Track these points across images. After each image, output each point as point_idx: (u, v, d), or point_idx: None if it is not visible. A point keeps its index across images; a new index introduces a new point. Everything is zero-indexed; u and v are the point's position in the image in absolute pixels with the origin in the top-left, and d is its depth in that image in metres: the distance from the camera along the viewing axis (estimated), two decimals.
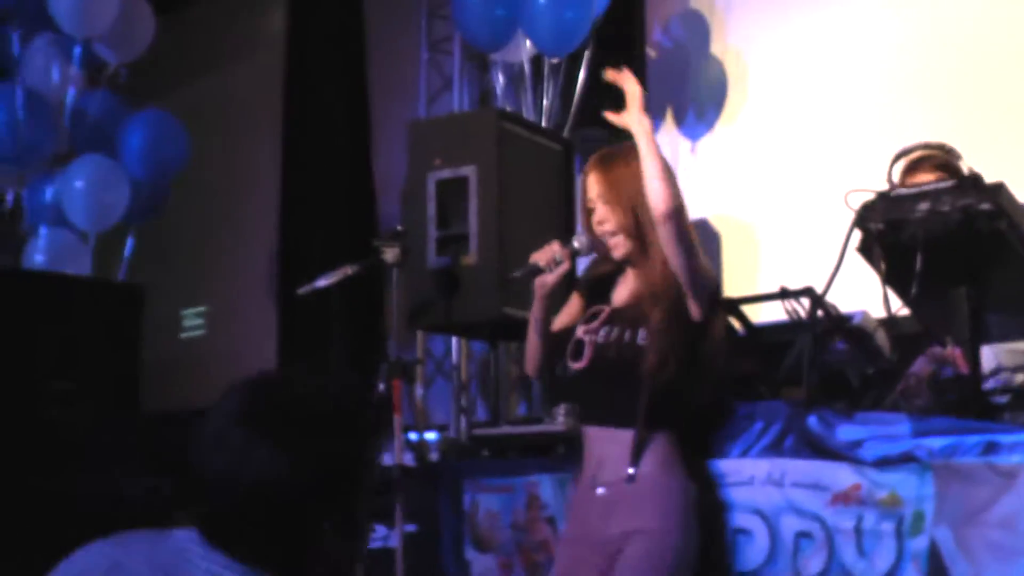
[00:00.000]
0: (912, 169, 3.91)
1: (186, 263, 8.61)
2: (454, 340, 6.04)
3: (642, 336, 3.16)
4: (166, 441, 6.88)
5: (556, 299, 3.39)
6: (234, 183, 8.39)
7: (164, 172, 6.81)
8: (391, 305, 4.58)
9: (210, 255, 8.45)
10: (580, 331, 3.28)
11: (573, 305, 3.43)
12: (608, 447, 3.18)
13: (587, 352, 3.22)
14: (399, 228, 4.46)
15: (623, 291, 3.30)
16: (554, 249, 3.32)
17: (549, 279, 3.31)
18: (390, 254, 4.34)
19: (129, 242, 6.91)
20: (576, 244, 3.36)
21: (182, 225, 8.65)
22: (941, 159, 3.81)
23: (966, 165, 3.77)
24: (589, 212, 3.31)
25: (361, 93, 7.62)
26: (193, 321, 8.57)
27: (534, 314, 3.39)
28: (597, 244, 3.32)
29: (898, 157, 3.94)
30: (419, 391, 5.98)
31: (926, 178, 3.82)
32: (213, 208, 8.48)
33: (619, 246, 3.26)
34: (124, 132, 6.66)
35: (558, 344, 3.37)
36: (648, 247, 3.20)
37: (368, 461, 1.80)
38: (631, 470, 3.12)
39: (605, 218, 3.25)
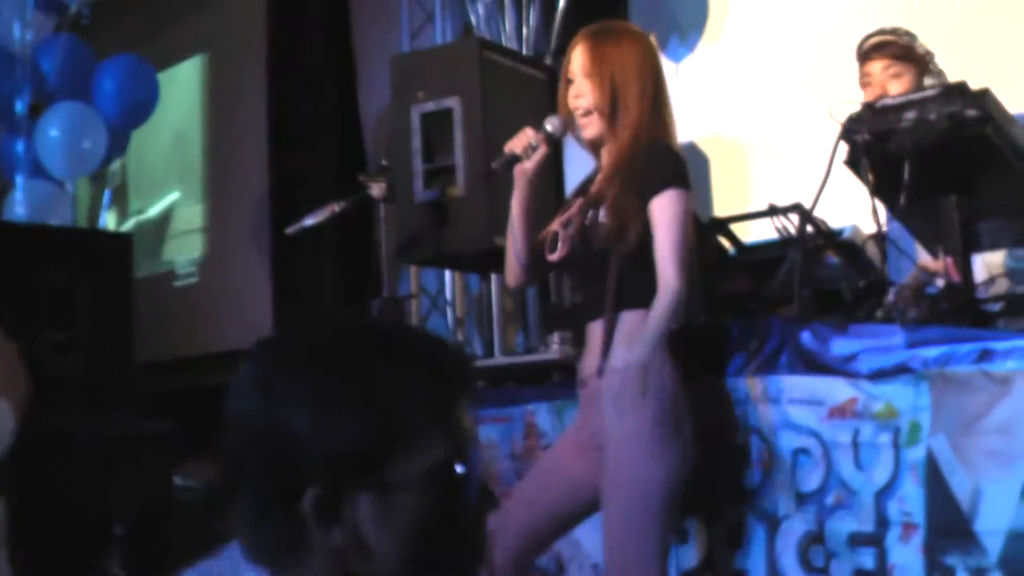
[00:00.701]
0: (865, 58, 3.93)
1: (177, 211, 8.60)
2: (447, 274, 6.03)
3: (603, 214, 3.13)
4: (162, 388, 6.93)
5: (539, 189, 3.33)
6: (220, 127, 8.35)
7: (138, 116, 6.77)
8: (381, 241, 4.57)
9: (200, 201, 8.42)
10: (556, 223, 3.24)
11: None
12: (591, 337, 3.16)
13: (561, 243, 3.18)
14: (384, 163, 4.43)
15: (597, 185, 3.25)
16: (528, 135, 3.26)
17: (528, 166, 3.25)
18: (376, 189, 4.33)
19: (107, 193, 6.89)
20: (549, 127, 3.28)
21: (170, 173, 8.62)
22: (893, 44, 3.82)
23: (921, 46, 3.78)
24: (568, 83, 3.25)
25: (344, 30, 7.56)
26: (186, 269, 8.56)
27: (516, 206, 3.30)
28: (570, 124, 3.26)
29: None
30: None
31: (877, 65, 3.85)
32: (201, 154, 8.45)
33: (590, 125, 3.21)
34: (96, 78, 6.59)
35: (538, 250, 3.31)
36: (618, 128, 3.16)
37: None
38: (600, 362, 3.08)
39: (582, 93, 3.21)
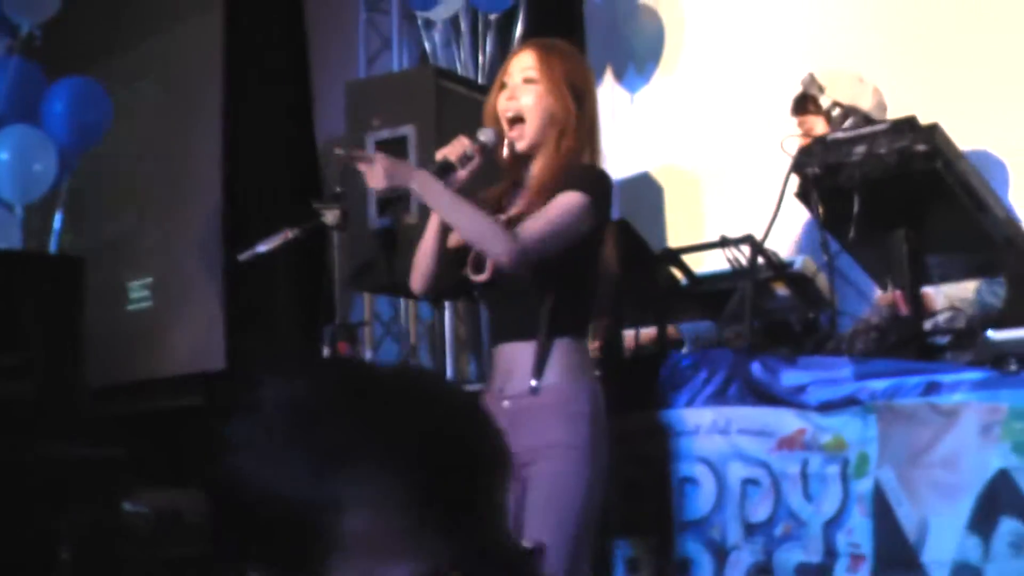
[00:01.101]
0: (798, 110, 4.00)
1: (130, 235, 8.55)
2: (402, 302, 6.03)
3: None
4: (113, 412, 6.87)
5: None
6: (175, 152, 8.31)
7: (89, 138, 6.72)
8: (334, 268, 4.55)
9: (154, 226, 8.38)
10: None
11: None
12: (515, 358, 3.10)
13: (488, 264, 3.11)
14: (338, 189, 4.42)
15: (521, 201, 3.19)
16: (464, 143, 3.19)
17: (462, 175, 3.18)
18: (330, 216, 4.30)
19: (58, 216, 6.84)
20: (483, 138, 3.20)
21: (125, 196, 8.58)
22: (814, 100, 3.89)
23: (829, 97, 3.83)
24: (502, 87, 3.19)
25: (301, 56, 7.55)
26: (139, 293, 8.50)
27: (438, 214, 3.22)
28: (501, 135, 3.19)
29: None
30: (367, 355, 5.95)
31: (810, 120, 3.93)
32: (155, 178, 8.41)
33: (521, 137, 3.15)
34: (46, 99, 6.55)
35: (453, 260, 3.26)
36: (552, 140, 3.13)
37: None
38: (534, 382, 3.04)
39: (517, 96, 3.15)
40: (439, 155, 3.21)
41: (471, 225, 3.04)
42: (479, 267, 3.14)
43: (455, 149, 3.19)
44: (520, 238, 3.00)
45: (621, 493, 3.29)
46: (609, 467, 3.06)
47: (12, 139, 6.45)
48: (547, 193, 3.08)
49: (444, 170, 3.18)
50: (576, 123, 3.14)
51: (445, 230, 3.21)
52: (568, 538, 2.99)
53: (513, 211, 3.16)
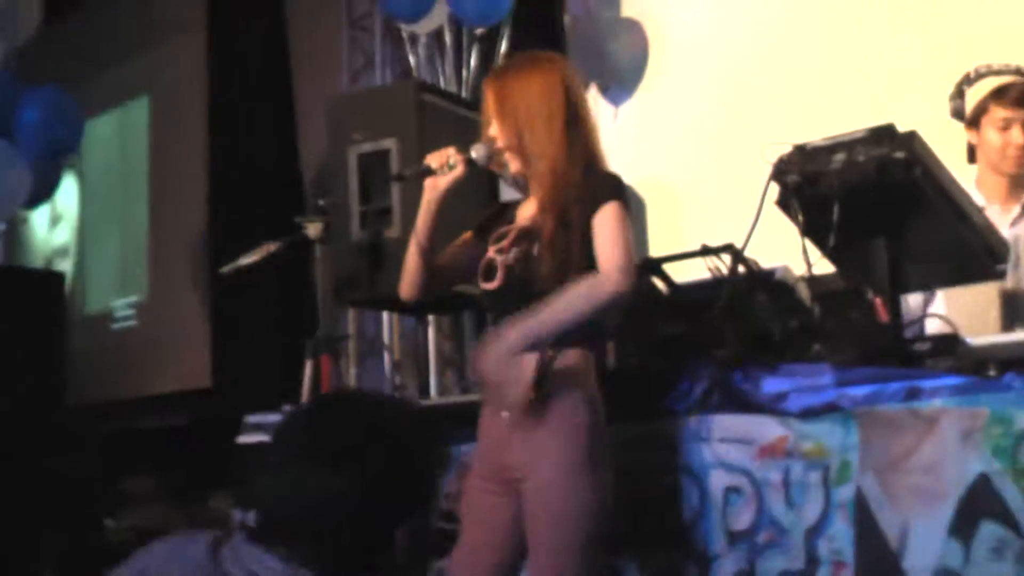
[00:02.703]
0: (1000, 96, 3.93)
1: (115, 254, 8.54)
2: (385, 317, 6.02)
3: (538, 249, 3.08)
4: (95, 429, 6.85)
5: (445, 214, 3.25)
6: (159, 170, 8.32)
7: (58, 151, 6.69)
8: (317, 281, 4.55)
9: (139, 245, 8.38)
10: (490, 251, 3.17)
11: (462, 243, 3.34)
12: (517, 369, 3.04)
13: (499, 273, 3.12)
14: (321, 203, 4.43)
15: (527, 210, 3.21)
16: (448, 152, 3.21)
17: (440, 182, 3.19)
18: (313, 229, 4.32)
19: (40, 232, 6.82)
20: (473, 153, 3.21)
21: (110, 215, 8.58)
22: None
23: None
24: (487, 125, 3.22)
25: (284, 72, 7.56)
26: (124, 312, 8.50)
27: (420, 221, 3.25)
28: (496, 157, 3.21)
29: (975, 79, 3.97)
30: (352, 369, 5.94)
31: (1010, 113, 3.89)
32: (140, 197, 8.41)
33: (511, 161, 3.18)
34: (17, 111, 6.52)
35: (440, 276, 3.30)
36: (533, 161, 3.14)
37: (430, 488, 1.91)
38: (533, 394, 3.01)
39: (497, 134, 3.17)
40: (425, 160, 3.24)
41: (574, 312, 3.01)
42: (489, 275, 3.14)
43: (438, 156, 3.22)
44: (609, 271, 3.00)
45: None
46: (612, 481, 3.05)
47: None
48: (552, 214, 3.08)
49: (422, 174, 3.22)
50: (547, 136, 3.13)
51: (428, 245, 3.24)
52: (568, 552, 2.97)
53: (527, 217, 3.18)
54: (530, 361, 3.03)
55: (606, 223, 3.05)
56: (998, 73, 4.01)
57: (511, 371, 3.00)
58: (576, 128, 3.17)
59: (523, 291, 3.08)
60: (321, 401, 1.98)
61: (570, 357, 3.06)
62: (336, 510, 1.75)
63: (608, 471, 3.03)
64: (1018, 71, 4.02)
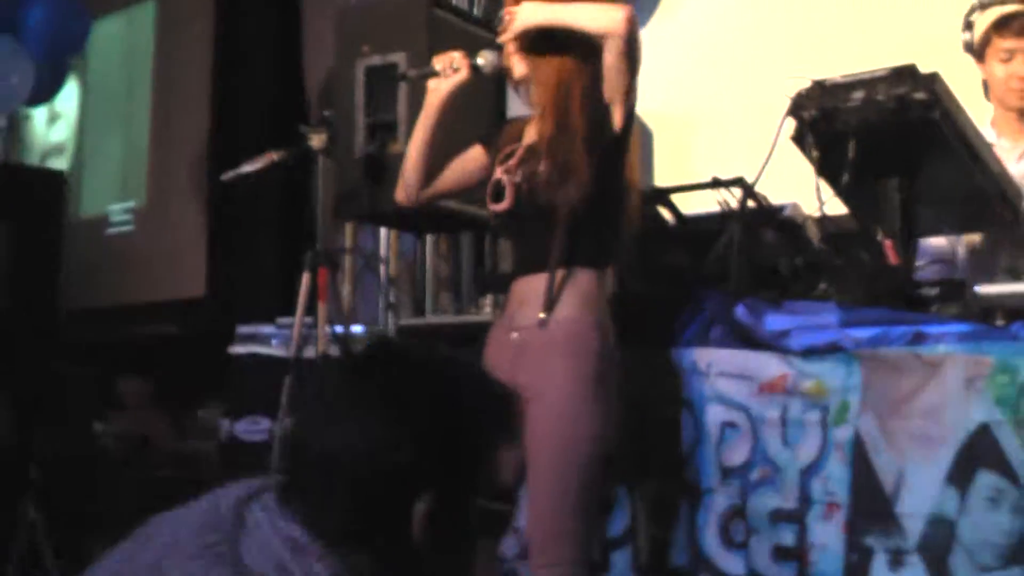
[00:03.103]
0: (1002, 26, 3.81)
1: (114, 158, 8.47)
2: (383, 234, 5.97)
3: (546, 164, 3.02)
4: (89, 335, 6.83)
5: (447, 120, 3.25)
6: (163, 76, 8.23)
7: (64, 50, 6.61)
8: (318, 194, 4.49)
9: (139, 150, 8.31)
10: (498, 171, 3.13)
11: (472, 155, 3.30)
12: (530, 289, 3.03)
13: (508, 193, 3.07)
14: (326, 114, 4.36)
15: (533, 130, 3.15)
16: (453, 56, 3.20)
17: (443, 84, 3.20)
18: (316, 140, 4.25)
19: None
20: (480, 60, 3.21)
21: (111, 119, 8.50)
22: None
23: None
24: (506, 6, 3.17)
25: None
26: (120, 217, 8.44)
27: (420, 124, 3.24)
28: (504, 62, 3.18)
29: (980, 9, 3.85)
30: (347, 285, 5.89)
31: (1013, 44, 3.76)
32: (142, 102, 8.33)
33: (518, 66, 3.13)
34: (24, 8, 6.43)
35: (441, 184, 3.29)
36: (539, 68, 3.09)
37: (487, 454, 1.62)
38: (543, 314, 2.97)
39: (508, 27, 3.11)
40: (432, 62, 3.23)
41: (585, 14, 2.99)
42: (498, 196, 3.10)
43: (444, 59, 3.21)
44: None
45: None
46: (619, 406, 3.01)
47: None
48: (550, 122, 3.03)
49: (425, 76, 3.24)
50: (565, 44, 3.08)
51: (428, 149, 3.20)
52: (569, 476, 2.94)
53: (533, 135, 3.12)
54: (543, 281, 3.00)
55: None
56: (1003, 2, 3.89)
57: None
58: (588, 45, 3.09)
59: (532, 210, 3.03)
60: (377, 347, 1.67)
61: (581, 278, 3.01)
62: (379, 464, 1.51)
63: (615, 398, 2.99)
64: None
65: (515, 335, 3.04)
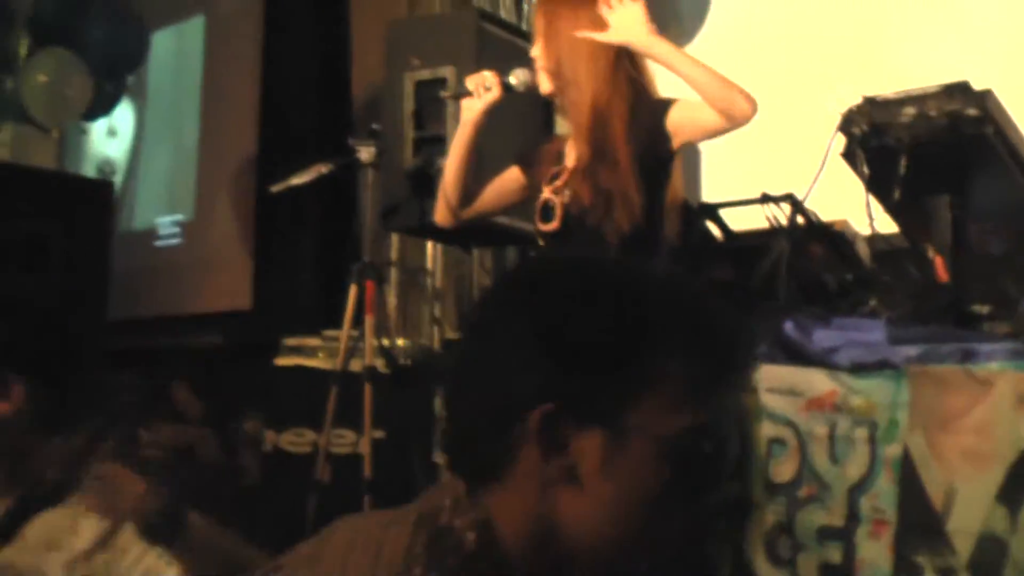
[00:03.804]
0: None
1: (164, 171, 8.54)
2: (429, 247, 5.98)
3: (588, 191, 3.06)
4: (136, 344, 6.87)
5: (483, 134, 3.29)
6: (212, 89, 8.29)
7: (123, 66, 6.69)
8: (365, 207, 4.51)
9: (188, 164, 8.37)
10: (547, 192, 3.17)
11: (510, 176, 3.32)
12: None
13: (557, 214, 3.10)
14: (374, 127, 4.38)
15: (572, 150, 3.17)
16: (485, 75, 3.24)
17: (476, 104, 3.23)
18: (365, 153, 4.27)
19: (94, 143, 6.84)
20: (512, 79, 3.26)
21: (160, 132, 8.56)
22: None
23: None
24: (535, 43, 3.23)
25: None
26: (169, 229, 8.50)
27: (455, 144, 3.28)
28: (535, 77, 3.22)
29: None
30: (393, 298, 5.91)
31: None
32: (191, 116, 8.39)
33: (544, 82, 3.17)
34: (83, 24, 6.53)
35: (479, 205, 3.32)
36: (569, 91, 3.10)
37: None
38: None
39: (539, 54, 3.16)
40: (466, 81, 3.29)
41: (710, 79, 3.03)
42: (547, 216, 3.11)
43: (476, 79, 3.26)
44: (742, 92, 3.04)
45: None
46: None
47: (48, 62, 6.42)
48: (588, 150, 3.03)
49: (459, 96, 3.29)
50: (587, 70, 3.08)
51: (464, 169, 3.22)
52: None
53: (568, 163, 3.13)
54: None
55: (685, 103, 3.05)
56: None
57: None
58: (623, 66, 3.11)
59: (581, 232, 3.05)
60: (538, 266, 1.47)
61: None
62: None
63: None
64: None
65: None
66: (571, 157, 3.17)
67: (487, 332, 1.35)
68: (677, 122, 3.02)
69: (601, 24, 3.10)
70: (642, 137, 3.02)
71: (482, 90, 3.22)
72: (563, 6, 3.17)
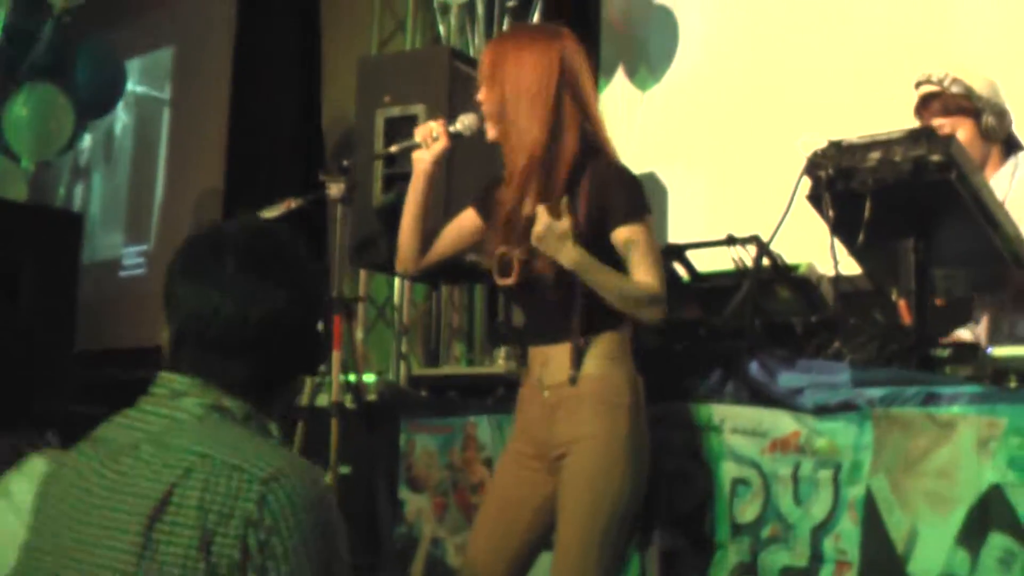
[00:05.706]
0: (919, 111, 3.77)
1: (129, 202, 8.52)
2: (397, 283, 6.00)
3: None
4: (99, 377, 6.83)
5: (435, 182, 3.28)
6: (180, 121, 8.29)
7: (103, 104, 6.71)
8: (334, 242, 4.53)
9: (152, 194, 8.35)
10: (501, 248, 3.09)
11: (465, 218, 3.30)
12: (553, 350, 3.07)
13: (514, 269, 3.05)
14: (344, 163, 4.39)
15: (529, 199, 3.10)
16: (431, 125, 3.23)
17: (426, 155, 3.21)
18: (335, 189, 4.29)
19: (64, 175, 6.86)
20: (458, 125, 3.23)
21: (127, 163, 8.55)
22: (939, 97, 3.70)
23: (977, 91, 3.66)
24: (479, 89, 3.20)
25: (313, 32, 7.52)
26: (133, 260, 8.47)
27: (410, 195, 3.25)
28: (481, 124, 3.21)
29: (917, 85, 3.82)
30: (360, 333, 5.91)
31: (934, 121, 3.69)
32: (158, 146, 8.38)
33: (489, 128, 3.15)
34: (69, 62, 6.55)
35: (437, 253, 3.30)
36: (510, 137, 3.09)
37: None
38: (572, 371, 3.02)
39: (483, 98, 3.15)
40: (415, 132, 3.27)
41: (622, 297, 3.02)
42: (504, 271, 3.10)
43: (423, 130, 3.25)
44: (652, 285, 3.02)
45: None
46: (650, 460, 3.06)
47: (32, 97, 6.43)
48: (527, 190, 3.04)
49: (409, 149, 3.26)
50: (530, 115, 3.07)
51: (422, 210, 3.23)
52: (600, 530, 2.97)
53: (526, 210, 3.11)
54: (564, 349, 3.05)
55: (642, 241, 3.04)
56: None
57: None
58: (565, 110, 3.08)
59: (541, 285, 3.06)
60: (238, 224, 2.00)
61: (605, 341, 3.05)
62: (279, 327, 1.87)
63: (647, 453, 3.05)
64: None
65: (547, 393, 3.08)
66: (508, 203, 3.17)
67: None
68: (618, 245, 3.05)
69: (546, 63, 3.09)
70: (593, 200, 3.05)
71: (430, 140, 3.21)
72: (508, 48, 3.15)
